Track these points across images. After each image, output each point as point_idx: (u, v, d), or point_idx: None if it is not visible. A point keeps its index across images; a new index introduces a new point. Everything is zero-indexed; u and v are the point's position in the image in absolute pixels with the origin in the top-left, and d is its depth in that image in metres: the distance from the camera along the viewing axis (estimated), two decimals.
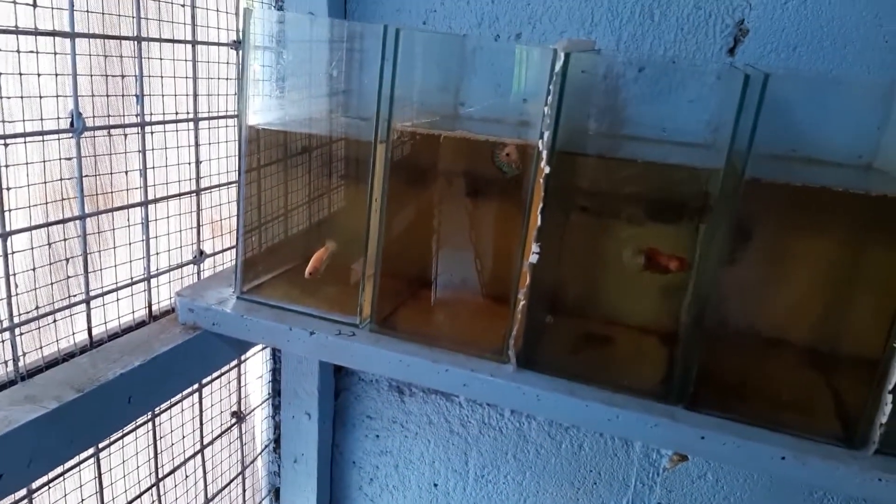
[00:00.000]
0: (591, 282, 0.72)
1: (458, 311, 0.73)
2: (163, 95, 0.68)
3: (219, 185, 0.77)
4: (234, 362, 0.88)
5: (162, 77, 0.67)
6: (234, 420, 0.91)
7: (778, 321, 0.64)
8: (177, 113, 0.69)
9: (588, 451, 0.92)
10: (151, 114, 0.66)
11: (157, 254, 0.71)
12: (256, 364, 0.97)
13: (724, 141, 0.56)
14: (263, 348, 0.94)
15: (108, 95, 0.62)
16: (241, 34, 0.74)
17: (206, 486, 0.86)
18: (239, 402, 0.91)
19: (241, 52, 0.65)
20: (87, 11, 0.58)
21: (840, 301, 0.61)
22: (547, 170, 0.58)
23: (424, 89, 0.74)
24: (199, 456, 0.84)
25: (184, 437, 0.82)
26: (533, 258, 0.61)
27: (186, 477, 0.84)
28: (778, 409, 0.61)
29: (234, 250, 0.81)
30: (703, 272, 0.58)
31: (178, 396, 0.78)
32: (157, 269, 0.72)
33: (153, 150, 0.67)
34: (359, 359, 0.67)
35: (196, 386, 0.80)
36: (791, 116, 0.70)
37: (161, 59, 0.67)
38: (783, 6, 0.70)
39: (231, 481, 0.92)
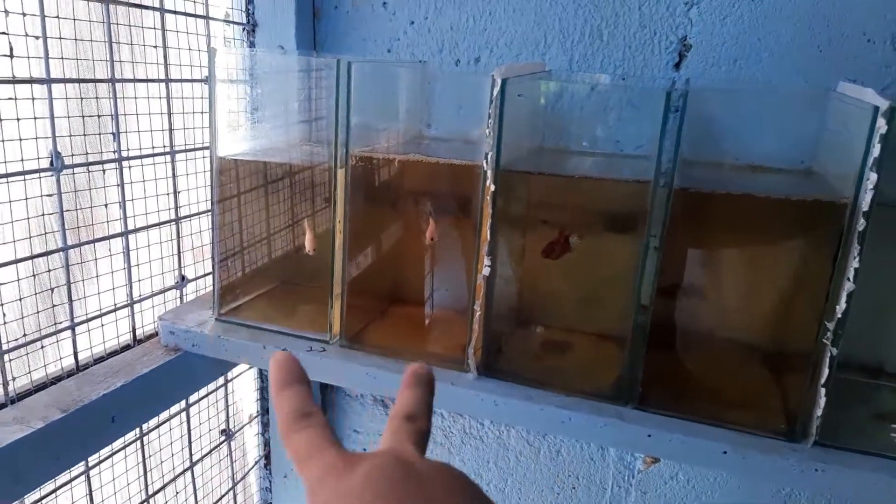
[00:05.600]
0: (552, 291, 0.75)
1: (424, 324, 0.77)
2: (139, 132, 0.72)
3: (197, 214, 0.81)
4: (222, 381, 0.92)
5: (137, 115, 0.72)
6: (223, 438, 0.94)
7: (722, 321, 0.67)
8: (153, 147, 0.74)
9: (566, 455, 0.95)
10: (128, 149, 0.71)
11: (140, 280, 0.75)
12: (247, 382, 1.01)
13: (660, 154, 0.59)
14: (250, 367, 0.98)
15: (85, 135, 0.67)
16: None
17: (196, 502, 0.90)
18: (227, 420, 0.95)
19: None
20: (62, 58, 0.63)
21: (779, 300, 0.64)
22: (492, 188, 0.62)
23: (388, 114, 0.79)
24: (188, 473, 0.88)
25: (172, 455, 0.85)
26: (485, 271, 0.65)
27: (177, 493, 0.87)
28: (723, 406, 0.64)
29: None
30: (643, 277, 0.61)
31: (166, 415, 0.82)
32: (142, 295, 0.76)
33: (131, 183, 0.72)
34: (329, 373, 0.70)
35: (183, 405, 0.84)
36: (733, 126, 0.74)
37: (136, 98, 0.71)
38: (722, 21, 0.74)
39: (222, 497, 0.96)
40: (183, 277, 0.81)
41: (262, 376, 1.01)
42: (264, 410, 1.02)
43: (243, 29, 0.84)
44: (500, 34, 0.83)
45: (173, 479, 0.85)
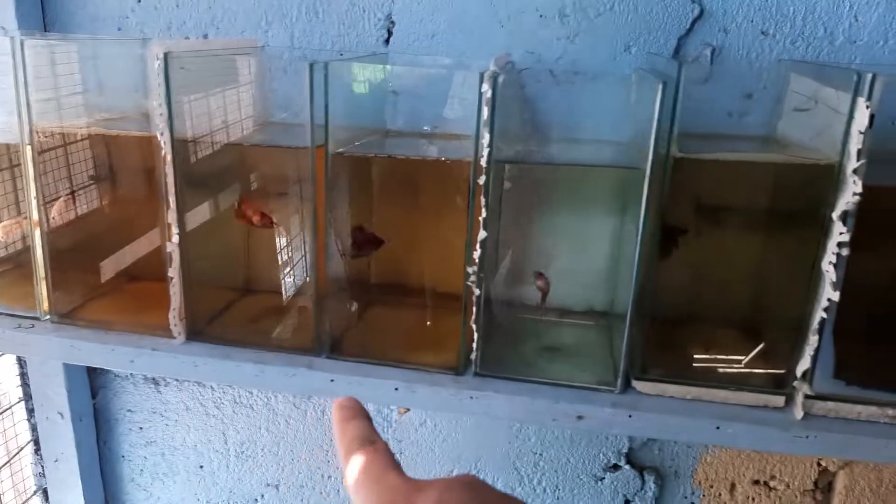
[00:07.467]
0: (257, 256, 0.79)
1: (143, 296, 0.79)
2: None
3: None
4: None
5: None
6: None
7: (409, 274, 0.74)
8: None
9: (330, 416, 1.00)
10: None
11: None
12: (9, 368, 1.00)
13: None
14: (2, 353, 0.97)
15: None
16: None
17: None
18: None
19: None
20: None
21: (446, 250, 0.71)
22: (170, 157, 0.65)
23: (106, 92, 0.80)
24: None
25: None
26: (175, 239, 0.68)
27: None
28: (406, 349, 0.70)
29: None
30: (314, 235, 0.67)
31: None
32: None
33: None
34: (37, 348, 0.72)
35: None
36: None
37: None
38: (418, 0, 0.80)
39: None
40: None
41: (21, 362, 1.00)
42: (27, 396, 1.01)
43: None
44: (224, 12, 0.85)
45: None
